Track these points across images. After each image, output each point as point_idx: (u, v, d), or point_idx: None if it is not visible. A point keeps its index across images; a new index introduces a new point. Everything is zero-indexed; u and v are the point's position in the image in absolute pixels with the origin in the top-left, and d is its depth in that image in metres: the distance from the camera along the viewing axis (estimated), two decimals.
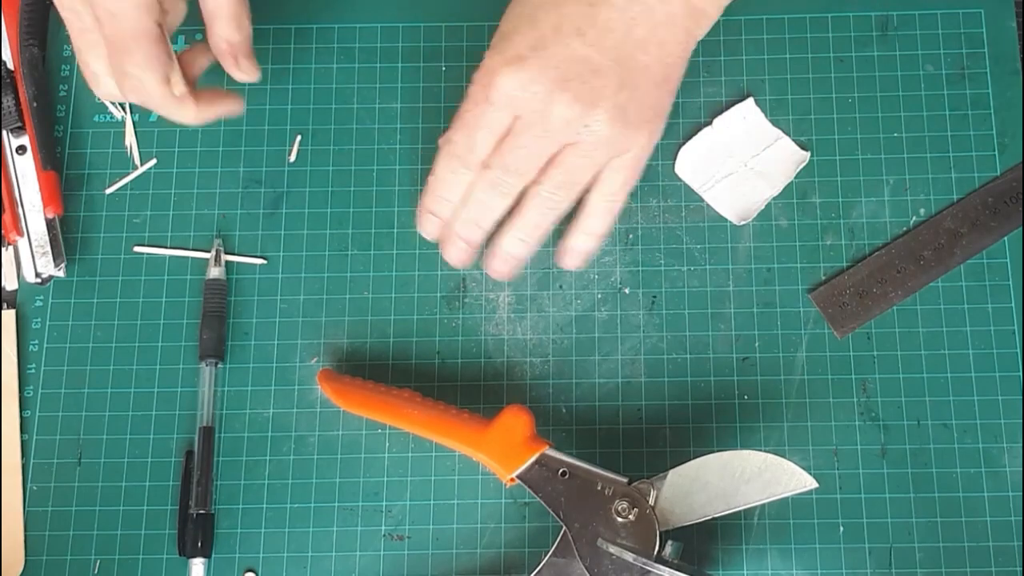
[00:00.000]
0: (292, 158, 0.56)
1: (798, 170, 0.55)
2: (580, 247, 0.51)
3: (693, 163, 0.55)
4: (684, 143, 0.56)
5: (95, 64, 0.49)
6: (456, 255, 0.51)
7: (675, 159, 0.55)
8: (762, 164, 0.55)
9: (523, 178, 0.48)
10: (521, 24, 0.47)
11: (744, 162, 0.55)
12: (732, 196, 0.55)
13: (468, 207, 0.49)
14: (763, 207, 0.55)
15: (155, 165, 0.57)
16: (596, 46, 0.46)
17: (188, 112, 0.50)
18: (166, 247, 0.55)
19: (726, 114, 0.56)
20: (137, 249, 0.55)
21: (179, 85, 0.48)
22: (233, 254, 0.55)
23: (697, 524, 0.51)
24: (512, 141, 0.47)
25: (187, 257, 0.55)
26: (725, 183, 0.55)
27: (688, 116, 0.56)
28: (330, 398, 0.51)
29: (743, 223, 0.54)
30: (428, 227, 0.51)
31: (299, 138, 0.57)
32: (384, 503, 0.52)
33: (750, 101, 0.56)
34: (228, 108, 0.53)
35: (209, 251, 0.55)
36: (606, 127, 0.46)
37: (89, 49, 0.48)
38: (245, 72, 0.51)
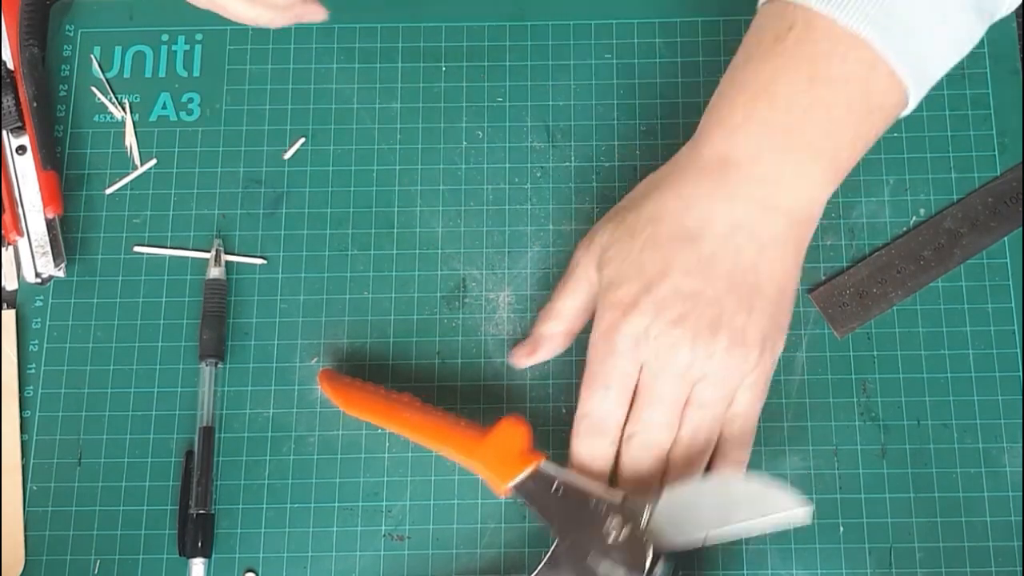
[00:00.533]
0: (287, 156, 0.56)
1: None
2: (733, 468, 0.49)
3: None
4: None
5: None
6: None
7: None
8: None
9: (670, 429, 0.47)
10: (629, 271, 0.46)
11: None
12: None
13: (625, 482, 0.48)
14: None
15: (155, 165, 0.57)
16: (705, 279, 0.45)
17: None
18: (166, 247, 0.55)
19: None
20: (137, 249, 0.55)
21: None
22: (233, 254, 0.55)
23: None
24: (646, 397, 0.46)
25: (187, 257, 0.55)
26: None
27: (687, 116, 0.56)
28: (330, 398, 0.51)
29: None
30: None
31: (301, 140, 0.57)
32: (384, 503, 0.52)
33: None
34: (312, 13, 0.53)
35: (209, 251, 0.55)
36: (728, 355, 0.45)
37: None
38: None
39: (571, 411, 0.53)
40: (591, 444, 0.48)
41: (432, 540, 0.51)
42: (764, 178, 0.45)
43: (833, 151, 0.45)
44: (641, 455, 0.47)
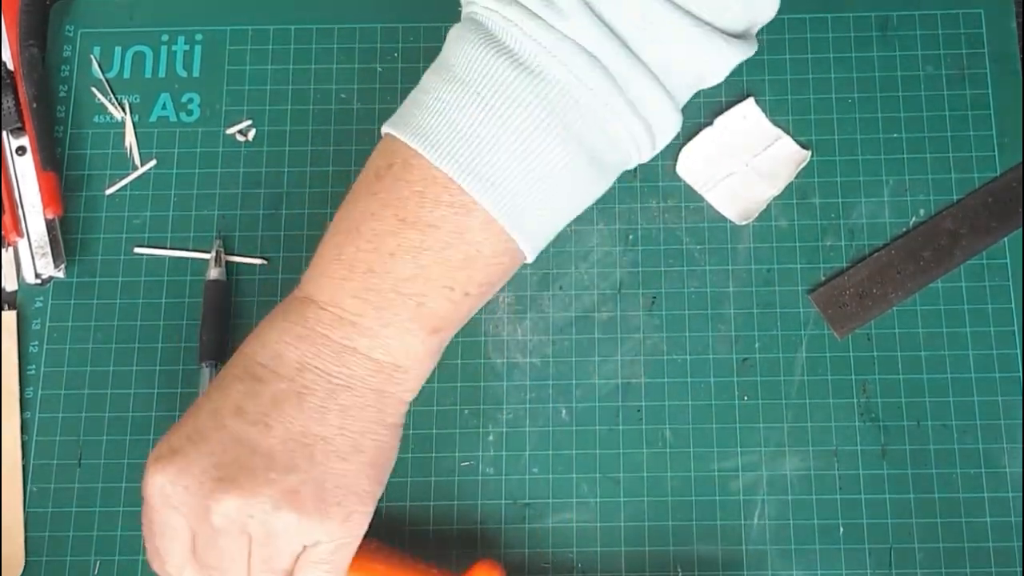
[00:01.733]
0: (232, 131, 0.56)
1: (799, 169, 0.55)
2: None
3: (694, 163, 0.55)
4: (685, 143, 0.56)
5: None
6: None
7: (676, 159, 0.55)
8: (763, 164, 0.55)
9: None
10: (184, 418, 0.42)
11: (745, 162, 0.55)
12: (733, 196, 0.55)
13: None
14: (764, 207, 0.55)
15: (155, 166, 0.57)
16: (259, 424, 0.40)
17: None
18: (166, 248, 0.55)
19: (727, 114, 0.56)
20: (138, 250, 0.55)
21: None
22: (234, 255, 0.55)
23: (697, 524, 0.51)
24: (197, 551, 0.42)
25: (187, 258, 0.55)
26: (726, 183, 0.55)
27: (687, 116, 0.56)
28: None
29: (745, 223, 0.54)
30: None
31: (249, 122, 0.56)
32: (384, 504, 0.52)
33: (750, 101, 0.56)
34: None
35: (209, 252, 0.55)
36: (274, 516, 0.40)
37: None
38: None
39: (571, 412, 0.53)
40: None
41: (432, 541, 0.51)
42: (340, 320, 0.42)
43: (419, 298, 0.42)
44: None
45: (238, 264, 0.55)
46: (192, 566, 0.42)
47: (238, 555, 0.41)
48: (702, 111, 0.56)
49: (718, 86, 0.56)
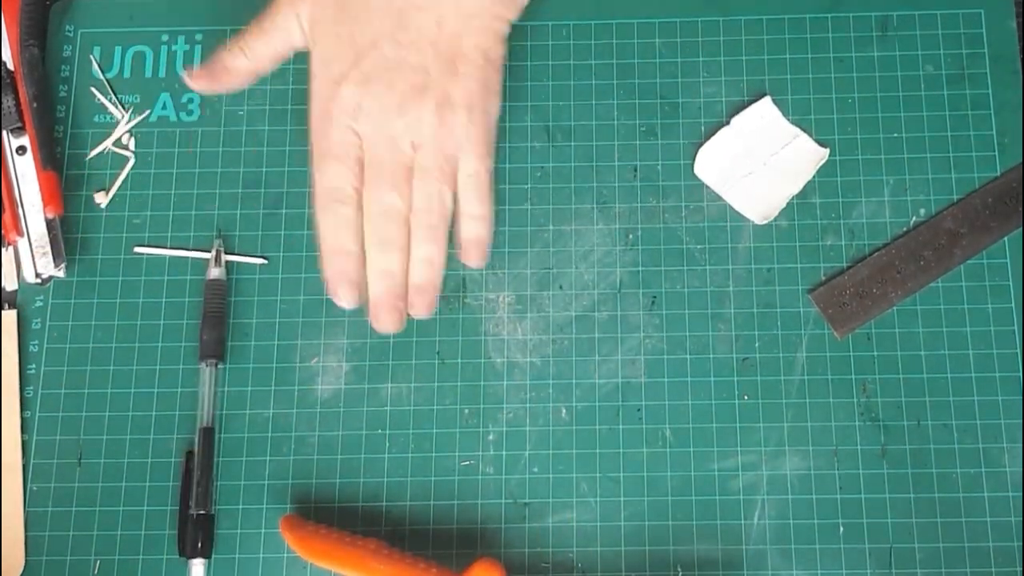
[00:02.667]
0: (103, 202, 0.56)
1: (818, 167, 0.55)
2: (471, 235, 0.51)
3: (712, 163, 0.55)
4: (703, 143, 0.55)
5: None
6: (389, 321, 0.50)
7: (694, 159, 0.55)
8: (781, 162, 0.55)
9: (401, 197, 0.49)
10: (340, 46, 0.49)
11: (764, 161, 0.55)
12: (753, 195, 0.55)
13: (373, 254, 0.50)
14: (784, 205, 0.55)
15: (156, 166, 0.57)
16: (411, 47, 0.48)
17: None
18: (166, 247, 0.55)
19: (743, 113, 0.56)
20: (138, 250, 0.55)
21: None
22: (234, 254, 0.55)
23: (697, 524, 0.51)
24: (372, 167, 0.49)
25: (187, 257, 0.55)
26: (745, 183, 0.55)
27: (687, 117, 0.56)
28: (292, 547, 0.50)
29: (764, 222, 0.54)
30: (346, 295, 0.50)
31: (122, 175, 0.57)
32: (384, 504, 0.52)
33: (767, 100, 0.56)
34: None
35: (209, 251, 0.55)
36: (438, 118, 0.48)
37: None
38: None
39: (571, 411, 0.53)
40: (335, 213, 0.50)
41: (431, 541, 0.51)
42: None
43: None
44: (383, 222, 0.49)
45: (238, 264, 0.55)
46: (364, 190, 0.50)
47: (401, 166, 0.49)
48: (702, 111, 0.56)
49: (717, 86, 0.56)
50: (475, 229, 0.51)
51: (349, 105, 0.49)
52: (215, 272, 0.54)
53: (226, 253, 0.55)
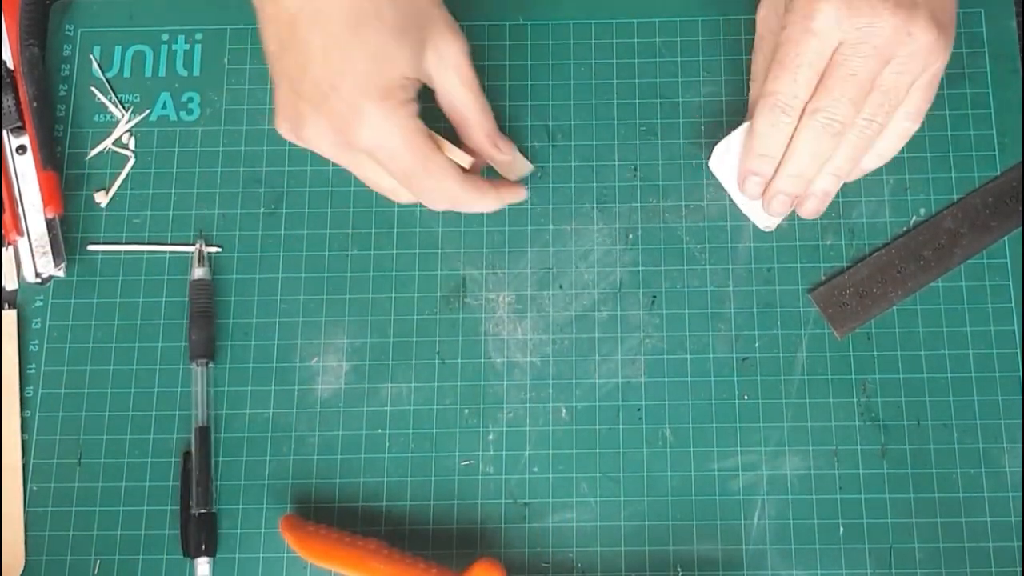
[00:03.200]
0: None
1: None
2: (866, 167, 0.51)
3: (728, 159, 0.53)
4: (720, 139, 0.54)
5: (390, 184, 0.50)
6: (779, 207, 0.51)
7: (710, 153, 0.54)
8: None
9: (855, 108, 0.47)
10: None
11: None
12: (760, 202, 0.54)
13: (797, 162, 0.49)
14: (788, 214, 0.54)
15: (155, 165, 0.57)
16: None
17: (488, 197, 0.52)
18: (121, 243, 0.55)
19: None
20: (91, 248, 0.55)
21: (465, 160, 0.51)
22: (212, 245, 0.55)
23: (697, 524, 0.51)
24: (840, 70, 0.46)
25: (183, 255, 0.55)
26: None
27: (687, 116, 0.56)
28: (292, 547, 0.50)
29: (768, 231, 0.54)
30: (752, 188, 0.51)
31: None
32: (384, 503, 0.52)
33: None
34: (514, 194, 0.54)
35: (188, 246, 0.55)
36: (927, 32, 0.46)
37: (380, 182, 0.50)
38: (504, 150, 0.52)
39: (571, 411, 0.53)
40: (775, 120, 0.48)
41: (431, 541, 0.51)
42: None
43: None
44: (820, 132, 0.48)
45: (238, 264, 0.55)
46: (819, 99, 0.47)
47: (868, 82, 0.46)
48: (701, 110, 0.56)
49: (718, 85, 0.56)
50: (873, 163, 0.51)
51: (837, 10, 0.45)
52: (199, 272, 0.54)
53: (207, 245, 0.55)
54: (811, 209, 0.51)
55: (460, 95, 0.50)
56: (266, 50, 0.48)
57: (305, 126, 0.47)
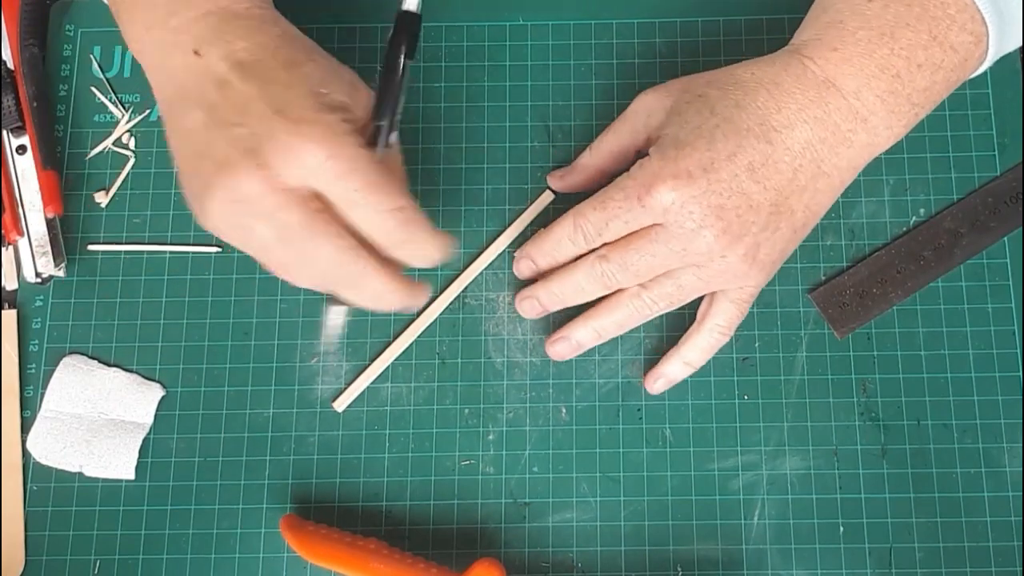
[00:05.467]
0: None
1: None
2: (674, 375, 0.52)
3: None
4: None
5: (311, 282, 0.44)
6: (530, 311, 0.52)
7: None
8: None
9: (636, 280, 0.48)
10: (699, 140, 0.46)
11: None
12: None
13: (563, 283, 0.50)
14: None
15: (155, 165, 0.57)
16: (761, 184, 0.45)
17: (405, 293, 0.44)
18: (121, 243, 0.55)
19: None
20: (92, 248, 0.55)
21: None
22: (189, 244, 0.55)
23: (697, 523, 0.51)
24: (644, 247, 0.47)
25: (183, 255, 0.55)
26: None
27: None
28: (292, 547, 0.50)
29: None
30: (524, 271, 0.52)
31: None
32: (384, 503, 0.52)
33: None
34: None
35: (191, 245, 0.55)
36: (738, 262, 0.46)
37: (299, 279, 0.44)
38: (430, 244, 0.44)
39: (571, 411, 0.53)
40: (571, 236, 0.49)
41: (432, 541, 0.51)
42: (856, 114, 0.46)
43: (919, 110, 0.47)
44: (596, 279, 0.49)
45: (238, 263, 0.55)
46: (613, 253, 0.48)
47: (661, 269, 0.48)
48: None
49: None
50: (681, 372, 0.52)
51: (674, 201, 0.45)
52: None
53: (186, 244, 0.55)
54: (558, 351, 0.52)
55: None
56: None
57: None
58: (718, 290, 0.49)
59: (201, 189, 0.41)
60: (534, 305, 0.52)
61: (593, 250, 0.49)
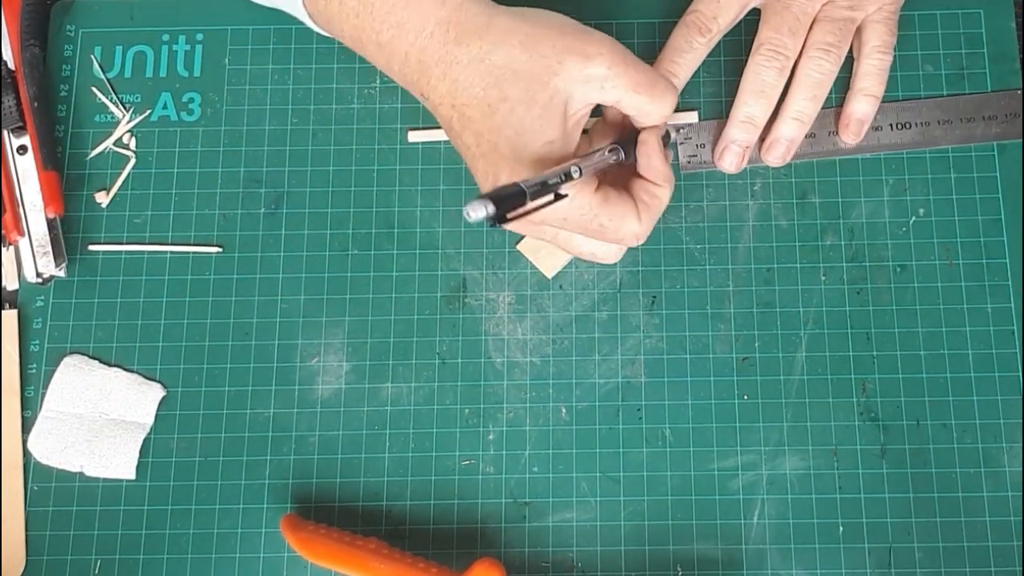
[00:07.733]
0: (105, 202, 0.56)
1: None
2: (860, 112, 0.54)
3: None
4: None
5: (591, 248, 0.49)
6: (732, 160, 0.54)
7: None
8: None
9: (797, 41, 0.51)
10: None
11: None
12: None
13: (744, 98, 0.52)
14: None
15: (156, 165, 0.57)
16: None
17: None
18: (122, 243, 0.55)
19: None
20: (92, 248, 0.55)
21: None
22: (189, 244, 0.55)
23: (697, 523, 0.51)
24: (777, 4, 0.50)
25: (183, 255, 0.55)
26: None
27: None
28: (292, 547, 0.50)
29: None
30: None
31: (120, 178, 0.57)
32: (384, 503, 0.52)
33: None
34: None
35: (166, 246, 0.55)
36: None
37: (582, 248, 0.49)
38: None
39: (571, 411, 0.53)
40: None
41: (432, 540, 0.51)
42: None
43: None
44: (766, 66, 0.52)
45: (238, 263, 0.55)
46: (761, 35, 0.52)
47: (807, 17, 0.51)
48: (702, 110, 0.56)
49: (718, 86, 0.56)
50: (865, 106, 0.54)
51: None
52: None
53: (186, 244, 0.55)
54: (777, 156, 0.53)
55: (628, 104, 0.47)
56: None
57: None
58: (863, 21, 0.52)
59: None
60: (734, 151, 0.53)
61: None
